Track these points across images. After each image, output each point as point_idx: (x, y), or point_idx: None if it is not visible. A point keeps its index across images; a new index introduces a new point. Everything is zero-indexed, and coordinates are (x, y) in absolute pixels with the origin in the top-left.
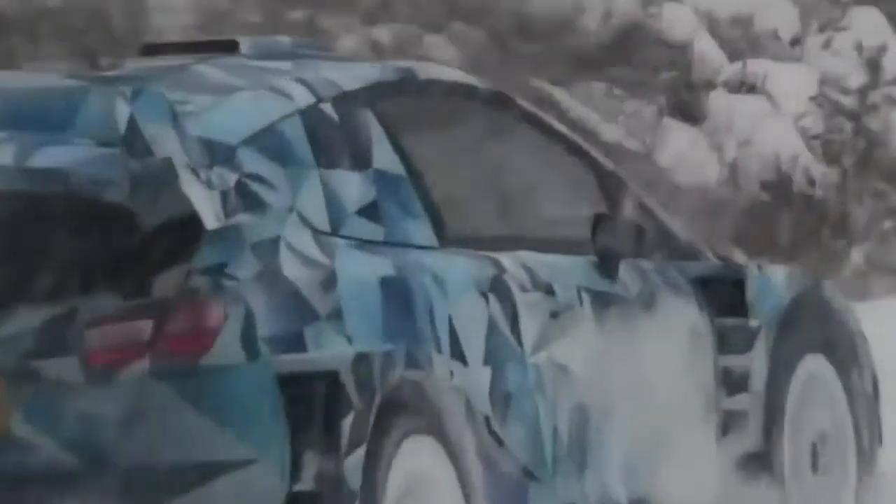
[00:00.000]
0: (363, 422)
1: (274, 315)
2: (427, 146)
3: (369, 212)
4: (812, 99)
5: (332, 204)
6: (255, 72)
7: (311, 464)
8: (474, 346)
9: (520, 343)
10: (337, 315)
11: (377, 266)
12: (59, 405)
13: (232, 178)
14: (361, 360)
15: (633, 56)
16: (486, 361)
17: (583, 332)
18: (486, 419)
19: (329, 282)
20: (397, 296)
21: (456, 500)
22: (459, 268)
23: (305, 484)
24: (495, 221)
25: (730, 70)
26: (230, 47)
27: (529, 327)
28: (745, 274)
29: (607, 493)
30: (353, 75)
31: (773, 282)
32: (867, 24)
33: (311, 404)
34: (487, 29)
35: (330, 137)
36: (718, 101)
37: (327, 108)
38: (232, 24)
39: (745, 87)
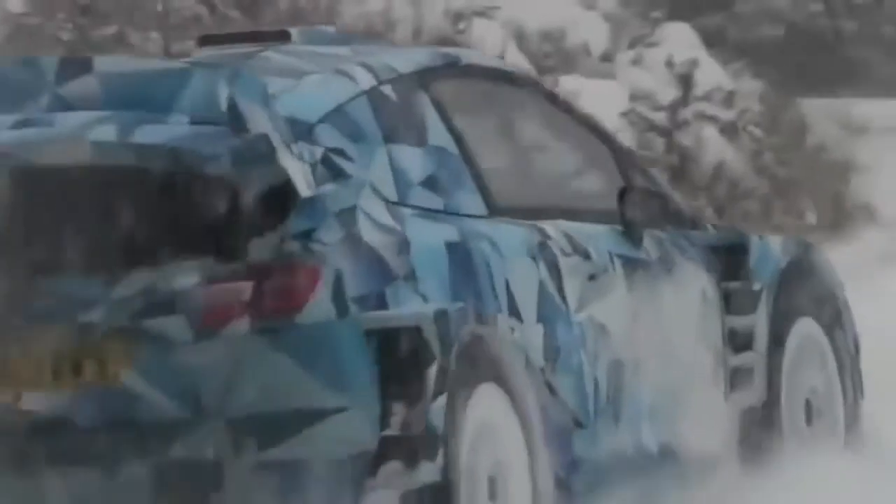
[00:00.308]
0: (444, 372)
1: (358, 276)
2: (471, 124)
3: (429, 184)
4: (623, 115)
5: (398, 176)
6: (319, 57)
7: (400, 411)
8: (528, 305)
9: (565, 303)
10: (412, 276)
11: (442, 232)
12: (167, 360)
13: (317, 152)
14: (441, 315)
15: None
16: (539, 319)
17: (616, 294)
18: (541, 371)
19: (403, 246)
20: (461, 259)
21: (519, 444)
22: (511, 234)
23: (395, 429)
24: (533, 193)
25: None
26: (282, 37)
27: (572, 289)
28: (747, 241)
29: (640, 440)
30: (406, 59)
31: (771, 249)
32: (678, 39)
33: (397, 357)
34: None
35: (391, 116)
36: None
37: (387, 89)
38: (42, 40)
39: None
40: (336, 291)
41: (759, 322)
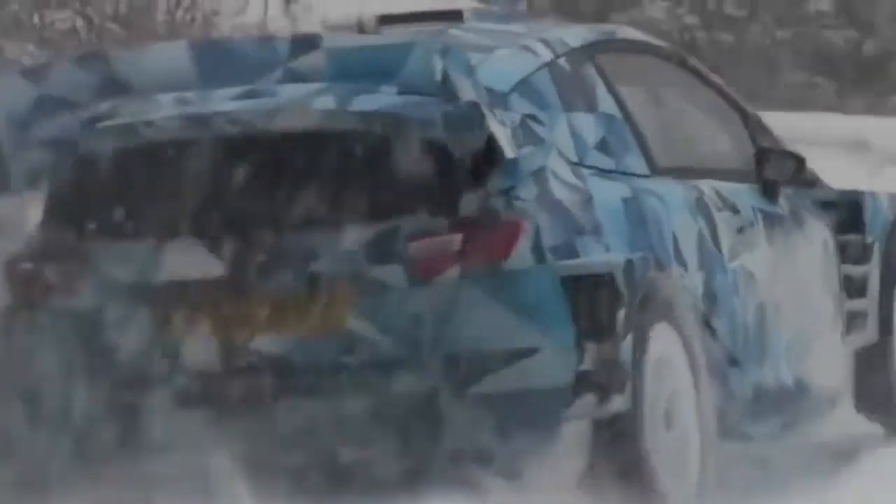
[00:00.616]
0: (631, 314)
1: (552, 229)
2: (629, 92)
3: (602, 146)
4: None
5: (577, 140)
6: (498, 34)
7: (594, 349)
8: (691, 255)
9: (720, 253)
10: (597, 229)
11: (619, 190)
12: (387, 305)
13: (515, 118)
14: (628, 264)
15: None
16: (700, 267)
17: (760, 245)
18: (704, 313)
19: (587, 202)
20: (636, 214)
21: (687, 379)
22: (674, 191)
23: (589, 365)
24: (685, 154)
25: None
26: (455, 16)
27: (726, 240)
28: (862, 198)
29: (779, 376)
30: (574, 34)
31: (882, 205)
32: None
33: (591, 300)
34: None
35: (568, 85)
36: None
37: (563, 61)
38: None
39: None
40: (535, 242)
41: (872, 271)
